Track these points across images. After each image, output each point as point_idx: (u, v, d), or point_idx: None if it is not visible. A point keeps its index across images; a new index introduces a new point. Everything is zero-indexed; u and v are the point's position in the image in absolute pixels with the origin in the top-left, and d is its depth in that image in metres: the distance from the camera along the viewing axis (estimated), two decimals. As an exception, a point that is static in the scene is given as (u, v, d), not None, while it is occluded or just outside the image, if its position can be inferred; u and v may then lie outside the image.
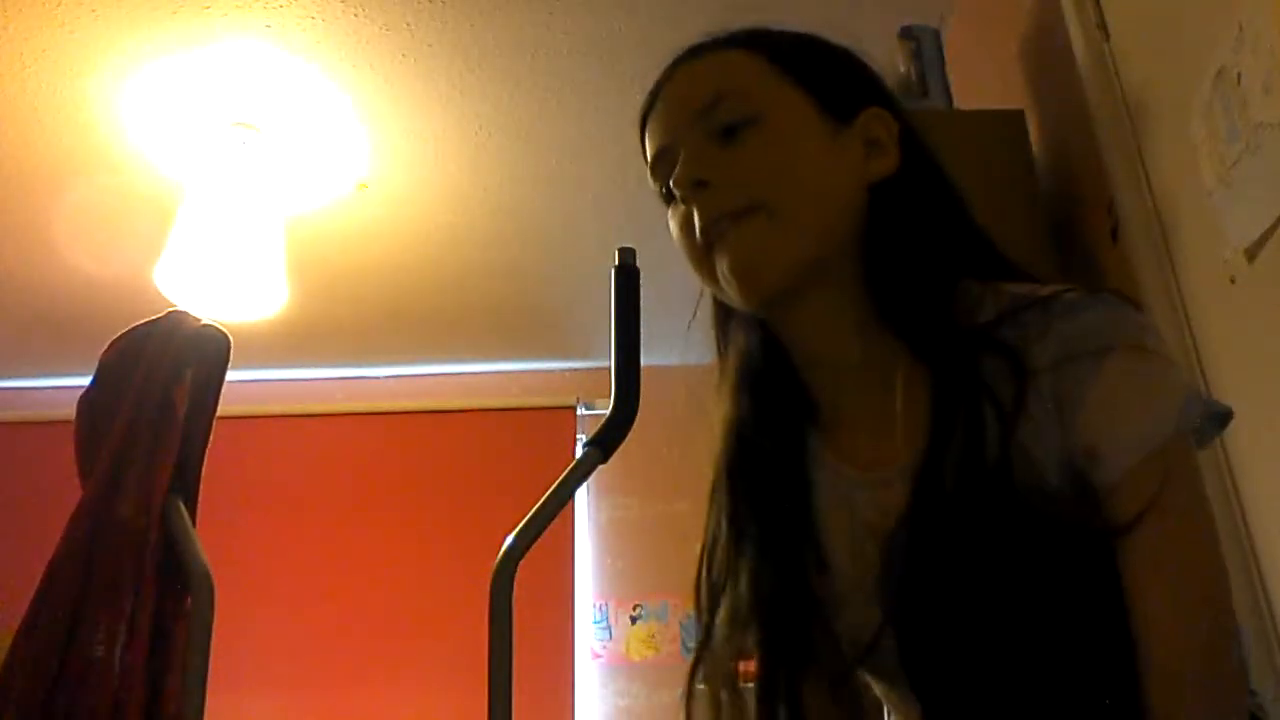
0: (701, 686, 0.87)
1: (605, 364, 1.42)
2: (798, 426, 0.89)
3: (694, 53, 0.89)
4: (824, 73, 0.87)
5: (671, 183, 0.82)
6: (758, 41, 0.87)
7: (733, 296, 0.83)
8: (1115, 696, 0.71)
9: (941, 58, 2.00)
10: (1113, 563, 0.73)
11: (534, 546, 1.44)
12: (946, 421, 0.76)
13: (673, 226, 0.86)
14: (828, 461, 0.87)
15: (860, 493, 0.84)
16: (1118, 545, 0.72)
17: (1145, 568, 0.71)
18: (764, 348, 0.90)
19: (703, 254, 0.82)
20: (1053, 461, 0.74)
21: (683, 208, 0.84)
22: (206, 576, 1.57)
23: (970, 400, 0.75)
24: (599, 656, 3.62)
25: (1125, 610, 0.72)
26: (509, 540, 1.45)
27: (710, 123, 0.83)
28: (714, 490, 0.92)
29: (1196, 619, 0.71)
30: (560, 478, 1.45)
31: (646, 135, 0.89)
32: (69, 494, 1.63)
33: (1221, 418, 0.78)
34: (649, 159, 0.88)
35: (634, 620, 3.63)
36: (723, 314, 0.95)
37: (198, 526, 1.65)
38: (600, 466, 1.43)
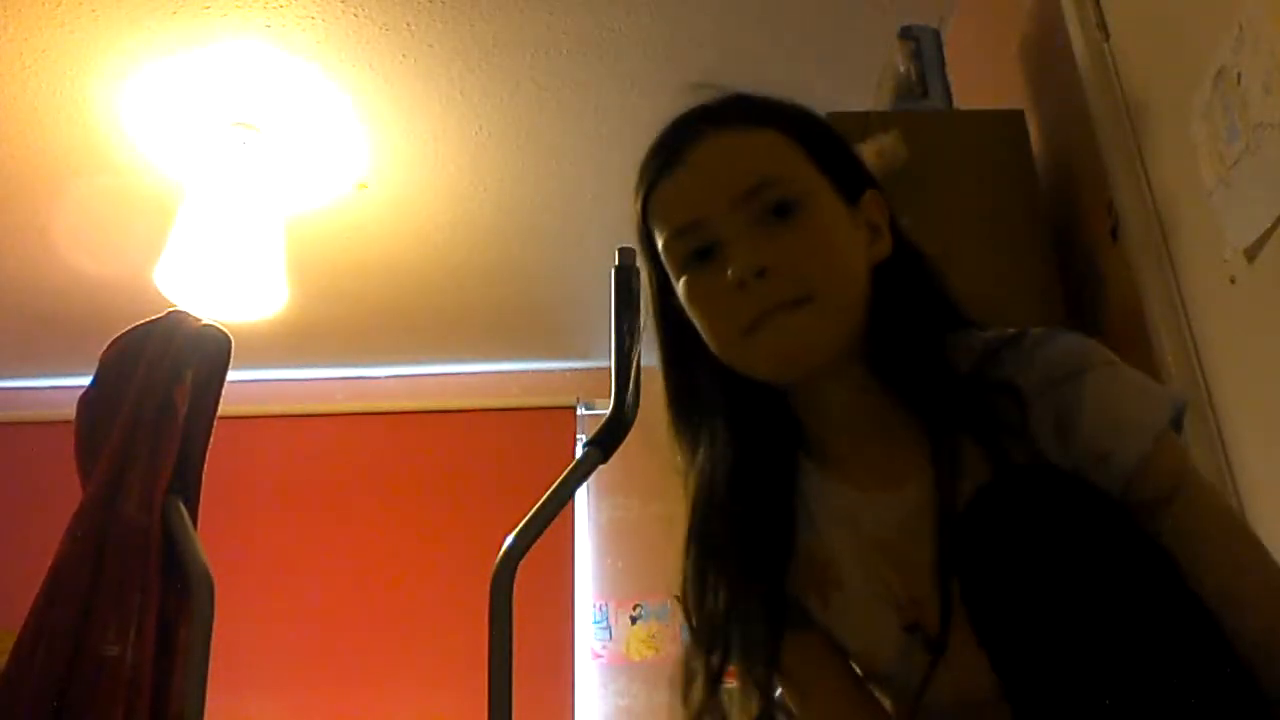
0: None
1: (605, 364, 1.42)
2: (789, 457, 0.93)
3: (719, 121, 0.90)
4: (839, 157, 0.90)
5: (731, 270, 0.83)
6: (783, 120, 0.90)
7: (763, 372, 0.86)
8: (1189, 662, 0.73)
9: (941, 58, 2.00)
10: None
11: (534, 546, 1.44)
12: (948, 447, 0.82)
13: (692, 293, 0.87)
14: (828, 486, 0.92)
15: (866, 512, 0.89)
16: (1157, 526, 0.75)
17: (1194, 539, 0.75)
18: (755, 393, 0.92)
19: (740, 334, 0.84)
20: (1076, 468, 0.79)
21: (713, 279, 0.85)
22: (206, 576, 1.57)
23: (976, 427, 0.81)
24: (599, 656, 3.62)
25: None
26: (509, 540, 1.45)
27: (755, 207, 0.84)
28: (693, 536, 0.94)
29: (1261, 574, 0.75)
30: (560, 478, 1.45)
31: (664, 198, 0.89)
32: (69, 494, 1.63)
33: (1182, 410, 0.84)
34: (670, 225, 0.88)
35: (634, 620, 3.63)
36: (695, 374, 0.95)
37: (198, 526, 1.65)
38: (600, 466, 1.43)
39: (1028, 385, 0.80)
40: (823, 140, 0.90)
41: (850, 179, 0.89)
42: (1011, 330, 0.86)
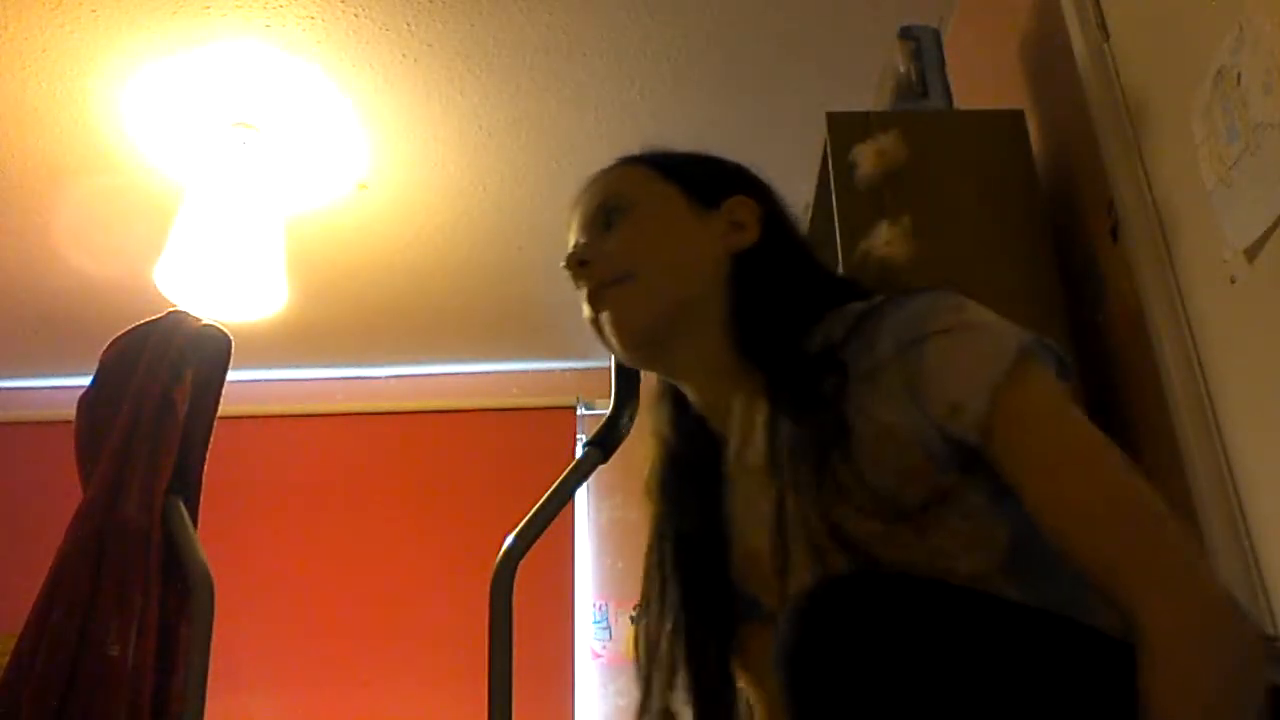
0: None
1: (605, 364, 1.42)
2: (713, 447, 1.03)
3: (599, 173, 1.10)
4: (692, 172, 1.07)
5: (562, 265, 1.03)
6: (646, 157, 1.09)
7: (615, 349, 1.01)
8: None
9: (941, 58, 2.00)
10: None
11: (534, 546, 1.44)
12: (779, 423, 0.90)
13: (583, 308, 1.03)
14: (733, 480, 1.00)
15: (756, 493, 0.96)
16: (1011, 469, 0.79)
17: (1040, 474, 0.78)
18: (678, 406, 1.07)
19: (594, 319, 1.01)
20: (929, 435, 0.82)
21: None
22: (206, 576, 1.57)
23: (797, 400, 0.89)
24: (599, 656, 3.62)
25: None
26: (509, 540, 1.45)
27: (598, 222, 1.04)
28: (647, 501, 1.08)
29: (1109, 502, 0.76)
30: (560, 478, 1.45)
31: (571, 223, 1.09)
32: (69, 494, 1.64)
33: (1059, 354, 0.86)
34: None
35: (634, 620, 3.63)
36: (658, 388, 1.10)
37: (198, 526, 1.65)
38: (600, 466, 1.43)
39: (884, 350, 0.85)
40: (679, 162, 1.08)
41: (707, 188, 1.04)
42: (879, 299, 0.91)
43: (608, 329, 1.00)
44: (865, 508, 0.82)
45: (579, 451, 1.44)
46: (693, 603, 1.00)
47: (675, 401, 1.07)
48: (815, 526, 0.84)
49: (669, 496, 1.05)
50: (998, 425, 0.79)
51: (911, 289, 0.89)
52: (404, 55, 2.52)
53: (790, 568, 0.89)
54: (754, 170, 1.11)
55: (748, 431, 0.96)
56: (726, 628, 0.99)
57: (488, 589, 1.42)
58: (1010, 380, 0.80)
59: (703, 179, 1.06)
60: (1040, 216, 1.81)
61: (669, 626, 1.00)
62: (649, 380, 1.13)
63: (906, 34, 2.01)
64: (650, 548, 1.06)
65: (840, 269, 1.79)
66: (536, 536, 1.44)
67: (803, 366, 0.90)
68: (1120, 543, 0.74)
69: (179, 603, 1.58)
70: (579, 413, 3.78)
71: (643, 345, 1.00)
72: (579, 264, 1.02)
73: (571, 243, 1.06)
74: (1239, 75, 1.28)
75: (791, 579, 0.89)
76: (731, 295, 0.99)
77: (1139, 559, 0.72)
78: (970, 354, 0.82)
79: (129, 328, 1.76)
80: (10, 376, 3.88)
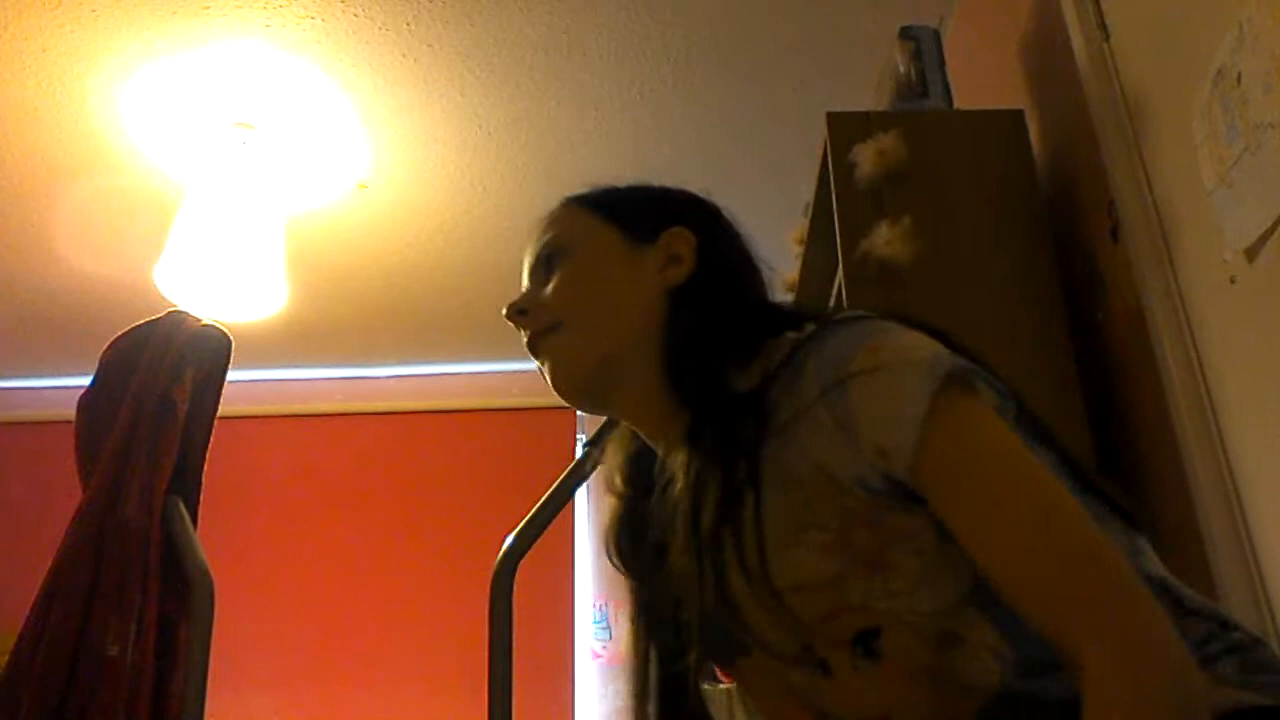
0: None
1: (605, 364, 1.42)
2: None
3: (541, 219, 1.07)
4: (631, 208, 1.04)
5: (503, 313, 1.01)
6: (580, 197, 1.06)
7: (560, 394, 1.00)
8: None
9: (941, 58, 2.00)
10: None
11: (534, 546, 1.44)
12: (697, 471, 0.88)
13: None
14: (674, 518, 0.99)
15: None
16: (941, 512, 0.77)
17: (969, 517, 0.76)
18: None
19: (540, 372, 1.00)
20: (867, 474, 0.80)
21: None
22: (206, 576, 1.57)
23: (712, 443, 0.87)
24: (599, 656, 3.62)
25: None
26: (509, 540, 1.45)
27: (540, 269, 1.02)
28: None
29: (1039, 549, 0.73)
30: (560, 478, 1.46)
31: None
32: (69, 494, 1.64)
33: (987, 377, 0.84)
34: None
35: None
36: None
37: (198, 526, 1.65)
38: (600, 466, 1.43)
39: (810, 391, 0.82)
40: (619, 198, 1.05)
41: (645, 223, 1.01)
42: (807, 331, 0.88)
43: (547, 378, 1.00)
44: (812, 551, 0.81)
45: (579, 451, 1.44)
46: (669, 691, 0.97)
47: (635, 443, 1.05)
48: (755, 572, 0.82)
49: (627, 566, 1.05)
50: (924, 467, 0.77)
51: (835, 318, 0.87)
52: (404, 55, 2.52)
53: (745, 615, 0.87)
54: (702, 196, 1.07)
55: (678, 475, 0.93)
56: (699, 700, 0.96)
57: (488, 589, 1.42)
58: (932, 418, 0.77)
59: (641, 214, 1.03)
60: (1040, 216, 1.81)
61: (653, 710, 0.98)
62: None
63: (906, 34, 2.01)
64: (628, 632, 1.05)
65: (840, 269, 1.79)
66: (536, 536, 1.44)
67: (722, 407, 0.89)
68: (1054, 590, 0.71)
69: (178, 602, 1.58)
70: (579, 413, 3.79)
71: (579, 395, 1.00)
72: (518, 313, 1.01)
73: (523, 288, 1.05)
74: (1239, 75, 1.28)
75: (751, 621, 0.88)
76: (665, 335, 0.96)
77: (1074, 605, 0.70)
78: (890, 394, 0.79)
79: (129, 328, 1.76)
80: (10, 376, 3.88)
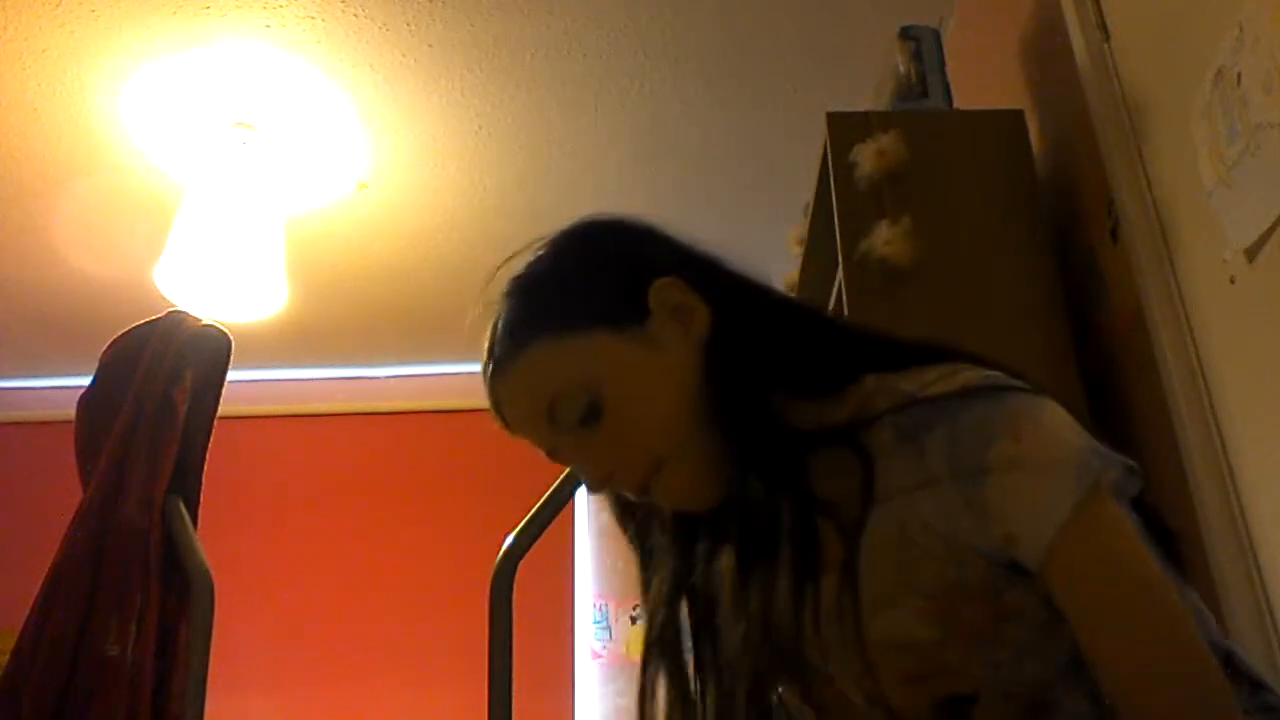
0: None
1: (605, 364, 1.42)
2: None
3: (499, 371, 0.97)
4: (600, 298, 0.91)
5: (586, 483, 0.92)
6: (543, 321, 0.93)
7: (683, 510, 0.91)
8: None
9: (941, 58, 2.00)
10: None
11: (534, 546, 1.44)
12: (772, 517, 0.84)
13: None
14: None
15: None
16: (1062, 605, 0.77)
17: (1092, 625, 0.76)
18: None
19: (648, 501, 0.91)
20: (993, 550, 0.78)
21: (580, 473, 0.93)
22: (206, 576, 1.57)
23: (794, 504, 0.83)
24: (599, 656, 3.61)
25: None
26: (509, 540, 1.45)
27: (562, 425, 0.89)
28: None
29: (1156, 664, 0.74)
30: (560, 477, 1.45)
31: (497, 410, 0.99)
32: (69, 494, 1.64)
33: (1128, 468, 0.82)
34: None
35: (634, 620, 3.63)
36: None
37: (198, 526, 1.65)
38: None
39: (939, 464, 0.79)
40: (576, 299, 0.92)
41: (625, 303, 0.89)
42: (933, 389, 0.82)
43: (669, 508, 0.92)
44: (918, 614, 0.79)
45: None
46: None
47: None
48: (850, 633, 0.79)
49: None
50: (1055, 565, 0.76)
51: (971, 387, 0.81)
52: (404, 55, 2.52)
53: (831, 665, 0.85)
54: (620, 219, 0.98)
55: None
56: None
57: (488, 589, 1.42)
58: (1071, 523, 0.75)
59: (614, 300, 0.90)
60: (1040, 217, 1.81)
61: None
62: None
63: (906, 34, 2.01)
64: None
65: (840, 269, 1.79)
66: (536, 536, 1.44)
67: (782, 442, 0.84)
68: (1155, 705, 0.73)
69: (179, 603, 1.58)
70: (579, 413, 3.78)
71: (720, 498, 0.89)
72: (603, 482, 0.91)
73: (543, 450, 0.94)
74: (1239, 75, 1.28)
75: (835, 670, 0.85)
76: (709, 388, 0.86)
77: (1171, 715, 0.73)
78: (1033, 495, 0.77)
79: (129, 328, 1.76)
80: (10, 376, 3.88)
